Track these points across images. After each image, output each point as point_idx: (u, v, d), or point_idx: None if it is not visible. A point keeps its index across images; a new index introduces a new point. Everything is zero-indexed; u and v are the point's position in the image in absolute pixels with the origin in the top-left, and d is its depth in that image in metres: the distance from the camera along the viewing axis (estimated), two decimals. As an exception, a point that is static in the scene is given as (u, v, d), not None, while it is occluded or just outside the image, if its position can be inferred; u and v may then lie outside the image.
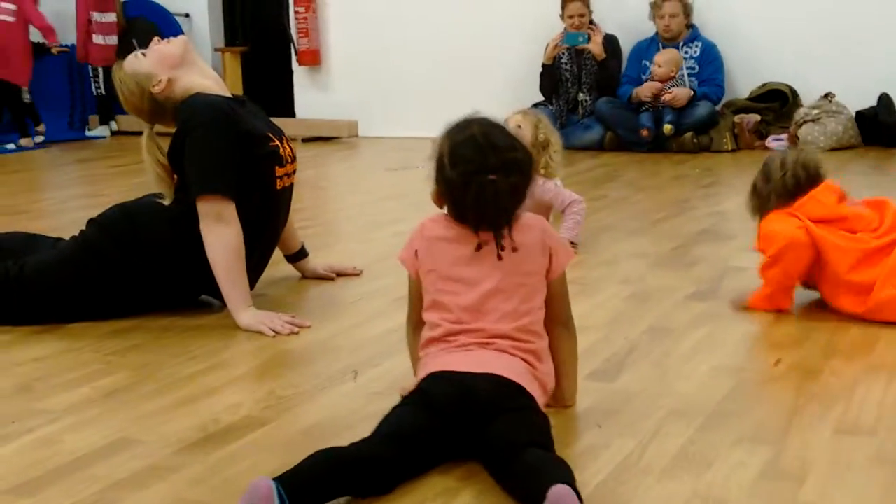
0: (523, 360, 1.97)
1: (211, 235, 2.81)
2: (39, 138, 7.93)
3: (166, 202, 2.93)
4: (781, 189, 2.86)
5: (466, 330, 1.99)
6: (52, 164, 7.27)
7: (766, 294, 2.83)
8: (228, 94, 3.01)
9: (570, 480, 1.62)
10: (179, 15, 8.61)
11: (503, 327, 1.98)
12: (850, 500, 1.73)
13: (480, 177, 1.93)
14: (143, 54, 2.97)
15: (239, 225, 2.83)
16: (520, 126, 3.56)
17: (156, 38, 3.04)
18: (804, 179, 2.85)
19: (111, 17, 8.30)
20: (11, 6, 7.75)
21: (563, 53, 6.91)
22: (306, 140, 7.57)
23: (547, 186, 3.61)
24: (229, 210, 2.82)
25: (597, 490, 1.78)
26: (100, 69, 8.29)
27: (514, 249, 1.99)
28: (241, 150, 2.87)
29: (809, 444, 1.97)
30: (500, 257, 1.99)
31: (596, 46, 6.79)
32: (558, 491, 1.57)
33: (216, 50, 8.58)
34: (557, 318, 2.10)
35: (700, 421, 2.08)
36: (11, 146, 7.73)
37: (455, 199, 2.00)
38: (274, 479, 1.63)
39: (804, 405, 2.18)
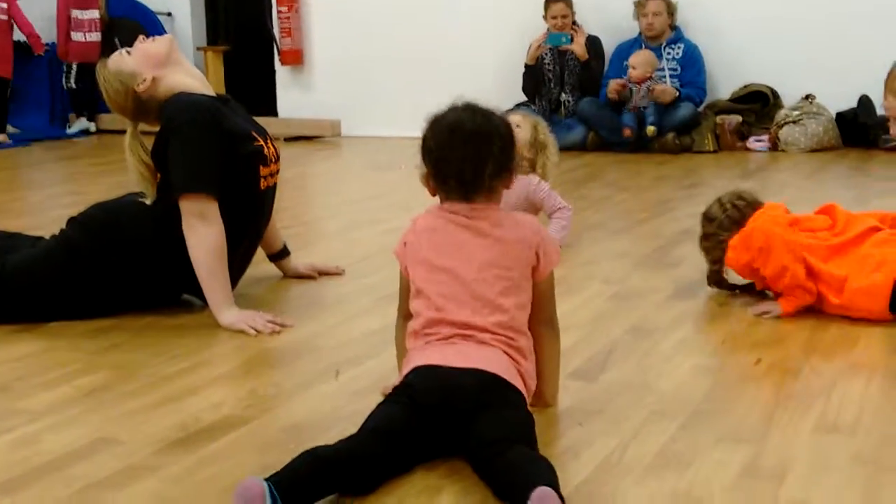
0: (506, 353, 1.98)
1: (193, 235, 2.80)
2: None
3: (148, 201, 2.91)
4: (728, 221, 2.93)
5: (446, 320, 1.99)
6: (32, 161, 7.22)
7: (791, 294, 2.78)
8: (212, 94, 3.00)
9: (552, 481, 1.62)
10: (162, 14, 8.58)
11: (481, 321, 1.98)
12: (830, 499, 1.74)
13: (453, 119, 2.01)
14: (128, 52, 2.95)
15: (221, 224, 2.82)
16: (518, 126, 3.56)
17: (140, 37, 3.02)
18: (745, 206, 2.94)
19: (92, 14, 8.27)
20: (3, 4, 7.73)
21: (546, 54, 6.92)
22: (289, 139, 7.54)
23: (541, 186, 3.62)
24: (212, 209, 2.81)
25: (578, 489, 1.78)
26: (74, 64, 8.27)
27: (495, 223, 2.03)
28: (225, 149, 2.85)
29: (789, 442, 1.97)
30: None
31: (579, 47, 6.80)
32: (541, 493, 1.56)
33: (198, 49, 8.55)
34: (543, 318, 2.11)
35: (681, 420, 2.09)
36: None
37: (431, 156, 2.03)
38: (265, 480, 1.63)
39: (784, 404, 2.18)
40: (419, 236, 2.06)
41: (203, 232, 2.80)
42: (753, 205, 2.95)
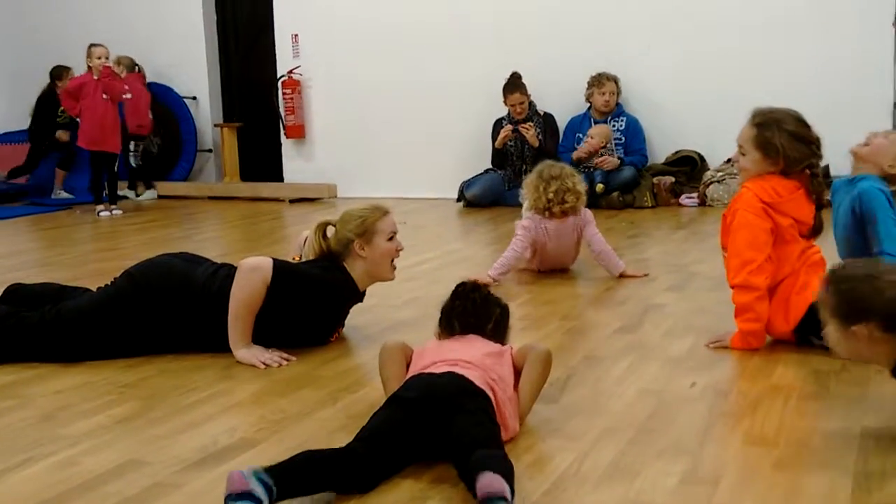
0: (483, 378, 1.99)
1: (241, 279, 2.78)
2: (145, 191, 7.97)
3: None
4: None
5: (441, 360, 2.06)
6: (88, 221, 7.13)
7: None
8: (362, 291, 3.00)
9: (502, 471, 1.60)
10: (188, 97, 8.60)
11: (470, 359, 2.04)
12: (758, 501, 1.73)
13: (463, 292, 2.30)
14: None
15: (267, 281, 2.76)
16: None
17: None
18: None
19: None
20: (126, 86, 7.59)
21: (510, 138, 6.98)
22: (293, 201, 7.56)
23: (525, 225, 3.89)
24: (265, 264, 2.78)
25: (542, 498, 1.76)
26: (140, 144, 8.15)
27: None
28: (315, 319, 2.92)
29: (721, 453, 1.97)
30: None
31: (531, 138, 6.84)
32: (485, 478, 1.57)
33: (216, 125, 8.56)
34: (538, 355, 2.16)
35: (629, 435, 2.08)
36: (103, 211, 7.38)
37: (444, 316, 2.26)
38: (254, 470, 1.63)
39: (716, 421, 2.18)
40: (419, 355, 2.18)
41: (249, 280, 2.76)
42: None
